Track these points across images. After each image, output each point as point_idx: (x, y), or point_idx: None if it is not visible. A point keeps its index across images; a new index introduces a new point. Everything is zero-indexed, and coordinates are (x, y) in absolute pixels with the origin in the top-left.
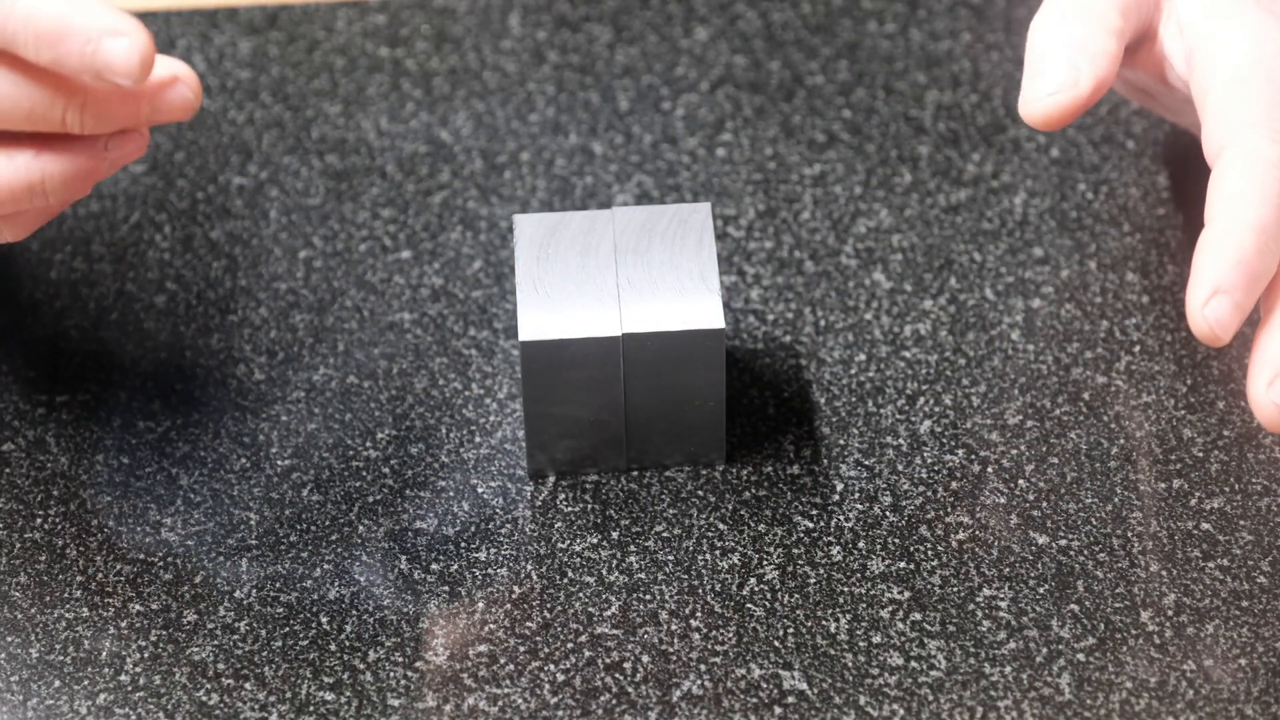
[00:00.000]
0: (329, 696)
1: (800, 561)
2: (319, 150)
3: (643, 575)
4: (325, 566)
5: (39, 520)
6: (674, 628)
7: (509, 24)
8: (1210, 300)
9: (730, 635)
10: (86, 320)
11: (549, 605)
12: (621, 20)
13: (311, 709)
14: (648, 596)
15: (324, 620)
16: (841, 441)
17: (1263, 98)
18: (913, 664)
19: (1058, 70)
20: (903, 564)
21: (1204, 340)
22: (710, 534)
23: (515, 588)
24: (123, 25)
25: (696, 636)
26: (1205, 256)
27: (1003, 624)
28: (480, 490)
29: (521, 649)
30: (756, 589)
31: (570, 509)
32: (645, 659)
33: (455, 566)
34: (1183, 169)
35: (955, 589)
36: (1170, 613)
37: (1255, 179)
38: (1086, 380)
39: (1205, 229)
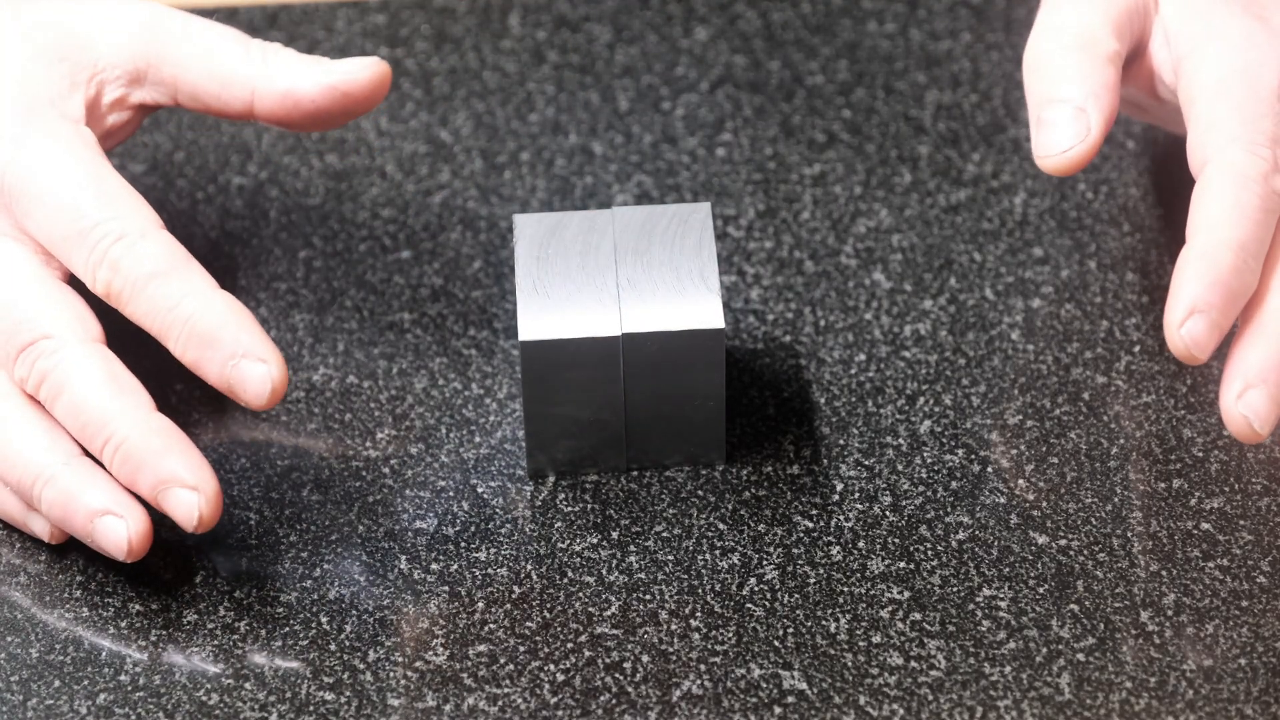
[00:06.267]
0: (329, 696)
1: (800, 561)
2: (319, 150)
3: (643, 575)
4: (325, 566)
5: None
6: (674, 628)
7: (509, 24)
8: (1187, 320)
9: (730, 635)
10: None
11: (549, 605)
12: (621, 20)
13: (311, 709)
14: (648, 596)
15: (324, 620)
16: (841, 441)
17: (1244, 110)
18: (913, 664)
19: (1067, 123)
20: (903, 564)
21: (1181, 359)
22: (710, 534)
23: (515, 588)
24: (267, 354)
25: (696, 636)
26: (1183, 275)
27: (1003, 624)
28: (480, 490)
29: (521, 649)
30: (756, 589)
31: (570, 509)
32: (645, 659)
33: (455, 566)
34: (1184, 168)
35: (955, 589)
36: (1170, 613)
37: (1234, 195)
38: (1086, 380)
39: (1186, 246)
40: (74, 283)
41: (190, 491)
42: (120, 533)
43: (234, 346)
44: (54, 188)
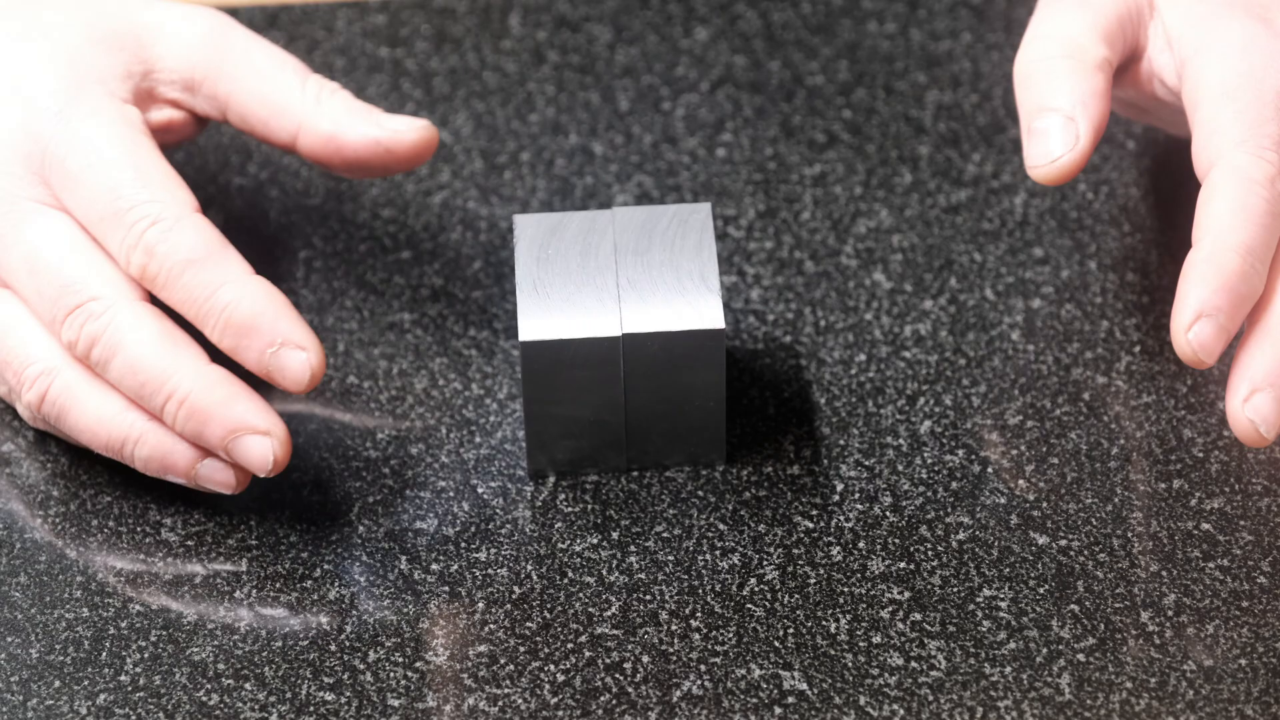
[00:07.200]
0: (329, 696)
1: (800, 561)
2: None
3: (643, 575)
4: (325, 566)
5: (39, 520)
6: (674, 628)
7: (509, 24)
8: (1194, 325)
9: (730, 635)
10: None
11: (549, 605)
12: (621, 20)
13: (311, 709)
14: (648, 596)
15: (324, 620)
16: (841, 441)
17: (1250, 113)
18: (913, 664)
19: (1056, 132)
20: (903, 564)
21: (1188, 363)
22: (710, 534)
23: (515, 588)
24: (305, 341)
25: (696, 636)
26: (1190, 279)
27: (1003, 624)
28: (480, 490)
29: (521, 649)
30: (756, 589)
31: (570, 509)
32: (645, 659)
33: (455, 566)
34: (1184, 168)
35: (955, 589)
36: (1170, 613)
37: (1241, 199)
38: (1086, 380)
39: (1192, 250)
40: None
41: (262, 437)
42: (226, 473)
43: (272, 334)
44: (91, 167)
